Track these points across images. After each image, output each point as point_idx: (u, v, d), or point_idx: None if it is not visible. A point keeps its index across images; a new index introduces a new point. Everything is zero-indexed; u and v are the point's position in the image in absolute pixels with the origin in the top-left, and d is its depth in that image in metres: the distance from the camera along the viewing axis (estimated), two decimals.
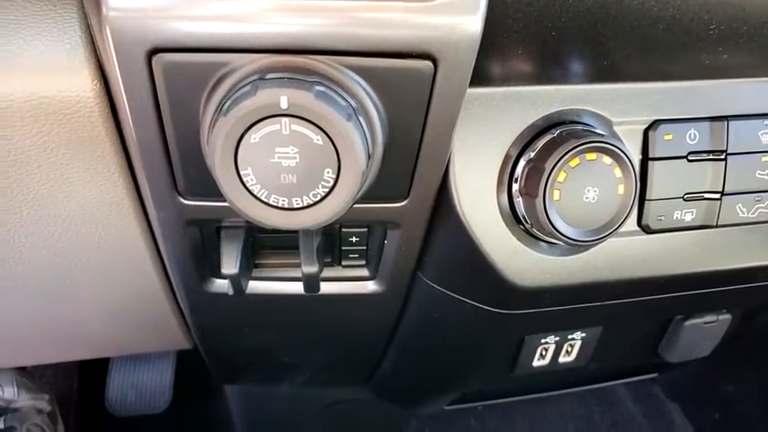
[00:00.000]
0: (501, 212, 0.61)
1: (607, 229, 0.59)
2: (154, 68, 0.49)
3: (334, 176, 0.48)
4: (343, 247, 0.69)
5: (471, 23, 0.48)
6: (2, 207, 0.63)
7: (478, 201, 0.61)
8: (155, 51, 0.48)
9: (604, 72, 0.59)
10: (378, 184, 0.55)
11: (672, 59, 0.60)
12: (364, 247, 0.69)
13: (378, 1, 0.47)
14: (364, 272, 0.72)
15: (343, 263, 0.71)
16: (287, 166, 0.48)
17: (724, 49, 0.59)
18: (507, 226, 0.61)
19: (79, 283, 0.75)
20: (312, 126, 0.47)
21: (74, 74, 0.56)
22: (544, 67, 0.58)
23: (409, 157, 0.56)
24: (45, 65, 0.55)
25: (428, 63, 0.49)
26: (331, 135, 0.47)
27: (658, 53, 0.59)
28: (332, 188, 0.49)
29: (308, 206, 0.50)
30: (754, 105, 0.63)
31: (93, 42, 0.56)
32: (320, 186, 0.49)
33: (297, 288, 0.70)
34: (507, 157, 0.60)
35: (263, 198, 0.49)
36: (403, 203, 0.60)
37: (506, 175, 0.60)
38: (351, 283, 0.72)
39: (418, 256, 0.69)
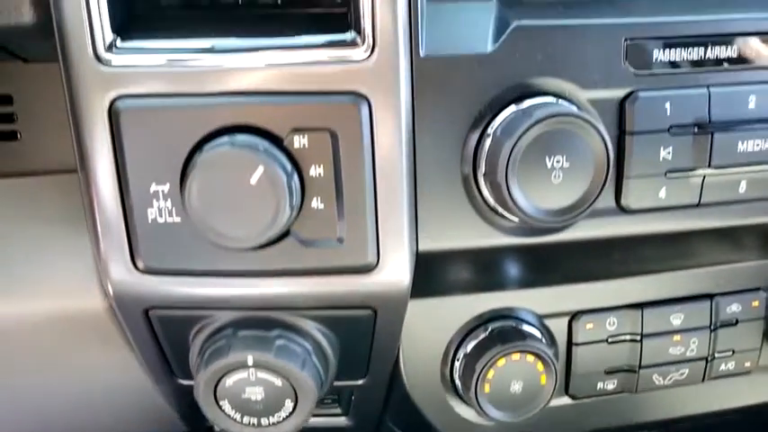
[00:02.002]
0: (444, 388, 0.73)
1: (530, 411, 0.70)
2: (150, 317, 0.61)
3: (293, 404, 0.61)
4: None
5: (402, 283, 0.59)
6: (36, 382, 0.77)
7: (424, 380, 0.72)
8: (150, 308, 0.60)
9: (533, 279, 0.70)
10: (338, 375, 0.67)
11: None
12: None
13: (331, 276, 0.58)
14: (337, 410, 0.84)
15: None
16: (255, 400, 0.60)
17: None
18: (448, 398, 0.73)
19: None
20: (273, 373, 0.59)
21: (88, 295, 0.68)
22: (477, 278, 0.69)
23: (362, 361, 0.68)
24: (64, 290, 0.68)
25: (369, 312, 0.61)
26: (289, 380, 0.59)
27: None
28: (292, 411, 0.61)
29: (274, 424, 0.62)
30: (665, 293, 0.73)
31: None
32: (282, 411, 0.61)
33: None
34: (447, 349, 0.71)
35: (236, 419, 0.62)
36: (362, 381, 0.72)
37: (447, 367, 0.71)
38: (324, 418, 0.84)
39: (383, 401, 0.81)
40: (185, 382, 0.71)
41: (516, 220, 0.58)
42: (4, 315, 0.70)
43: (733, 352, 0.76)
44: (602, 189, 0.56)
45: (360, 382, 0.72)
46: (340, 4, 0.55)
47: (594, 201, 0.56)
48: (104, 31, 0.52)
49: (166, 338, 0.64)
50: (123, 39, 0.52)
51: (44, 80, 0.70)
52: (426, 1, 0.56)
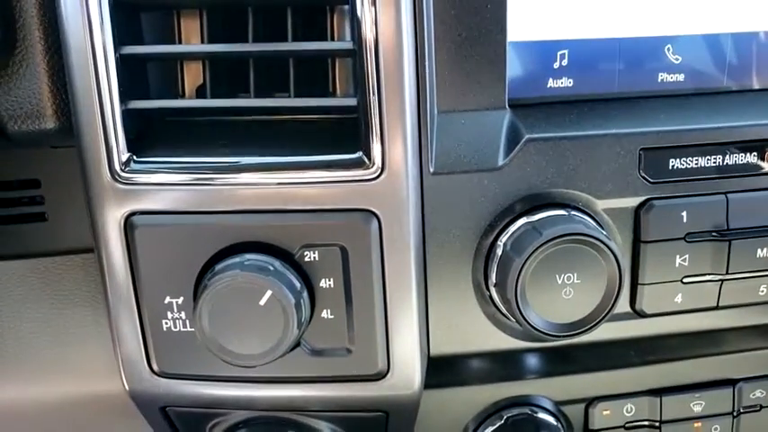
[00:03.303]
0: None
1: None
2: (168, 412, 0.63)
3: None
4: None
5: (413, 388, 0.59)
6: None
7: None
8: (167, 406, 0.62)
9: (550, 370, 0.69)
10: None
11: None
12: None
13: (342, 383, 0.58)
14: None
15: None
16: None
17: None
18: None
19: None
20: None
21: (112, 377, 0.70)
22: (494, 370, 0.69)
23: None
24: (89, 373, 0.70)
25: (381, 414, 0.61)
26: None
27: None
28: None
29: None
30: (685, 379, 0.72)
31: None
32: None
33: None
34: None
35: None
36: None
37: None
38: None
39: None
40: None
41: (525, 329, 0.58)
42: (32, 398, 0.72)
43: None
44: (613, 305, 0.55)
45: None
46: (353, 111, 0.55)
47: (606, 315, 0.55)
48: (120, 149, 0.53)
49: (184, 428, 0.65)
50: (138, 155, 0.53)
51: (70, 163, 0.72)
52: (437, 112, 0.56)
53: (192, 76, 0.58)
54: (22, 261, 0.72)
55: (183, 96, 0.57)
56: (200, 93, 0.57)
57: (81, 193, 0.70)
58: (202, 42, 0.55)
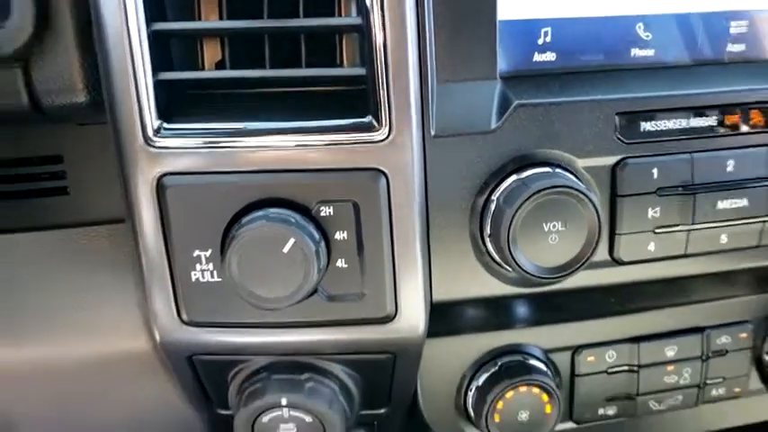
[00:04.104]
0: (458, 416, 0.80)
1: None
2: (194, 361, 0.69)
3: None
4: None
5: (418, 330, 0.66)
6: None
7: (440, 409, 0.80)
8: (193, 354, 0.68)
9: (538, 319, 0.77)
10: (362, 406, 0.75)
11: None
12: None
13: (354, 326, 0.65)
14: None
15: None
16: None
17: None
18: (461, 425, 0.80)
19: None
20: (304, 412, 0.66)
21: (135, 337, 0.76)
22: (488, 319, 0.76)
23: (383, 394, 0.75)
24: (113, 333, 0.76)
25: (389, 355, 0.68)
26: (318, 417, 0.67)
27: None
28: None
29: None
30: (660, 327, 0.80)
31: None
32: None
33: None
34: (461, 382, 0.78)
35: None
36: (383, 410, 0.80)
37: (461, 398, 0.78)
38: None
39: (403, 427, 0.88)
40: (223, 412, 0.79)
41: (516, 274, 0.65)
42: (60, 357, 0.78)
43: (723, 379, 0.83)
44: (593, 250, 0.62)
45: (382, 411, 0.80)
46: (360, 81, 0.62)
47: (587, 259, 0.63)
48: (152, 117, 0.59)
49: (208, 378, 0.71)
50: (168, 122, 0.60)
51: (91, 139, 0.78)
52: (437, 82, 0.63)
53: (211, 51, 0.64)
54: (50, 232, 0.78)
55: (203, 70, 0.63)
56: (219, 67, 0.63)
57: (101, 168, 0.77)
58: (221, 19, 0.61)
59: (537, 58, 0.67)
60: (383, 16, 0.57)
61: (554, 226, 0.61)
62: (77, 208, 0.80)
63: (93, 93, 0.66)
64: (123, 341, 0.78)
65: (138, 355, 0.78)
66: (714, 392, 0.83)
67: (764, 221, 0.69)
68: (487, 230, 0.64)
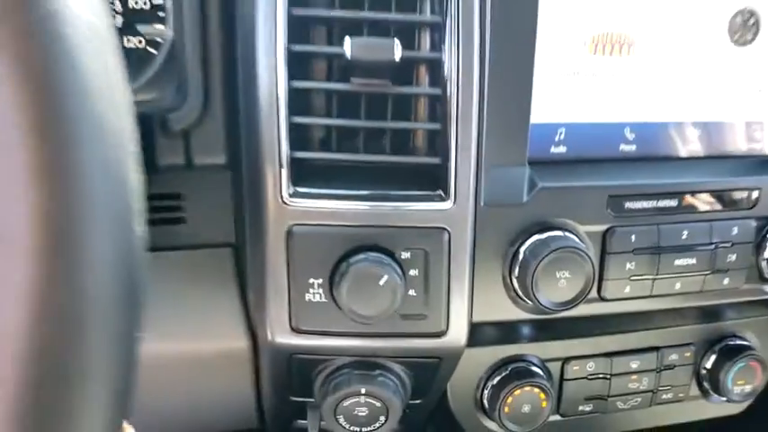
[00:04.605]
0: (476, 407, 1.06)
1: (535, 425, 1.03)
2: (292, 359, 0.93)
3: (384, 418, 0.93)
4: None
5: (461, 343, 0.92)
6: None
7: (463, 401, 1.05)
8: (294, 353, 0.92)
9: (539, 337, 1.03)
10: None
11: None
12: None
13: (416, 338, 0.90)
14: None
15: None
16: (361, 416, 0.92)
17: None
18: (478, 415, 1.06)
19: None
20: (376, 399, 0.91)
21: (234, 339, 1.00)
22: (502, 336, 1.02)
23: (425, 388, 1.01)
24: (217, 336, 1.00)
25: (437, 360, 0.94)
26: (384, 403, 0.92)
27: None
28: (384, 422, 0.94)
29: (372, 430, 0.94)
30: (628, 346, 1.07)
31: (249, 318, 1.00)
32: (377, 422, 0.93)
33: None
34: (479, 381, 1.04)
35: (348, 428, 0.94)
36: (420, 400, 1.05)
37: (479, 393, 1.04)
38: None
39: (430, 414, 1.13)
40: (296, 399, 1.03)
41: (534, 305, 0.92)
42: (174, 352, 1.01)
43: (671, 387, 1.10)
44: (589, 290, 0.89)
45: (419, 401, 1.05)
46: (434, 165, 0.86)
47: (585, 297, 0.89)
48: (289, 185, 0.83)
49: (298, 372, 0.95)
50: (299, 188, 0.84)
51: (203, 180, 1.02)
52: (486, 166, 0.89)
53: (317, 135, 0.88)
54: (172, 252, 1.01)
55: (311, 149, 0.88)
56: (324, 144, 0.88)
57: (211, 202, 1.00)
58: (329, 117, 0.85)
59: (553, 150, 0.94)
60: (457, 124, 0.83)
61: (563, 273, 0.88)
62: (191, 234, 1.03)
63: (229, 156, 0.90)
64: (223, 341, 1.02)
65: (236, 352, 1.01)
66: (664, 396, 1.10)
67: (706, 275, 0.97)
68: (515, 273, 0.90)
